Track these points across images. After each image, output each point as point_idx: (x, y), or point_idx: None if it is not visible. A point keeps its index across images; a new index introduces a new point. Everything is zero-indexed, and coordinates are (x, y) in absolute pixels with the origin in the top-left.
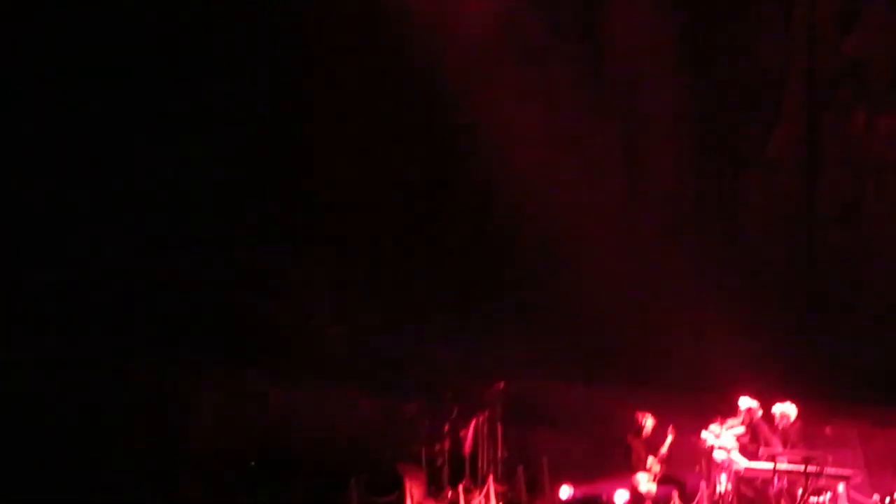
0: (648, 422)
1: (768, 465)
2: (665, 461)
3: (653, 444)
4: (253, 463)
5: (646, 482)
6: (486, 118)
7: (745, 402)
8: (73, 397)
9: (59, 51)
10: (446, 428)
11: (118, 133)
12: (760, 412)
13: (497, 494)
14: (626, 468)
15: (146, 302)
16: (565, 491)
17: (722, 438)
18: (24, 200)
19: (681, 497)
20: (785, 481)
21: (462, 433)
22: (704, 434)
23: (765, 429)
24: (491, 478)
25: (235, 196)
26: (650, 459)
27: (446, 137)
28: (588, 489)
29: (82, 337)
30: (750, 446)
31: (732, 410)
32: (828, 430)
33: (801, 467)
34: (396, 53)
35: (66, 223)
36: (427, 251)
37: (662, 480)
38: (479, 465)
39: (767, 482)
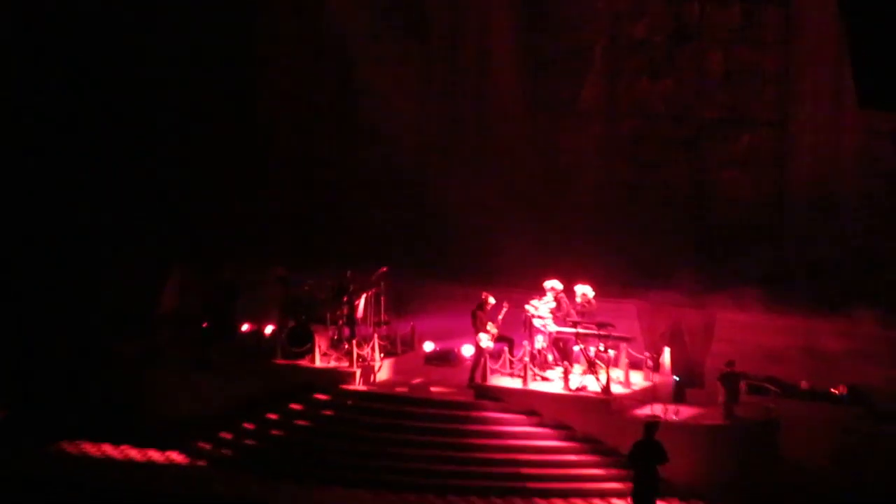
0: (490, 299)
1: (572, 330)
2: (500, 326)
3: (492, 314)
4: (206, 324)
5: (486, 340)
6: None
7: (550, 284)
8: None
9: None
10: (345, 299)
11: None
12: (563, 292)
13: (380, 347)
14: (472, 330)
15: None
16: (428, 345)
17: (539, 310)
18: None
19: (510, 351)
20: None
21: (356, 303)
22: (527, 307)
23: (567, 302)
24: (375, 335)
25: None
26: (489, 324)
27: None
28: (444, 345)
29: None
30: (558, 315)
31: (545, 291)
32: (614, 305)
33: (596, 331)
34: None
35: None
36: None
37: (498, 339)
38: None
39: (571, 341)
